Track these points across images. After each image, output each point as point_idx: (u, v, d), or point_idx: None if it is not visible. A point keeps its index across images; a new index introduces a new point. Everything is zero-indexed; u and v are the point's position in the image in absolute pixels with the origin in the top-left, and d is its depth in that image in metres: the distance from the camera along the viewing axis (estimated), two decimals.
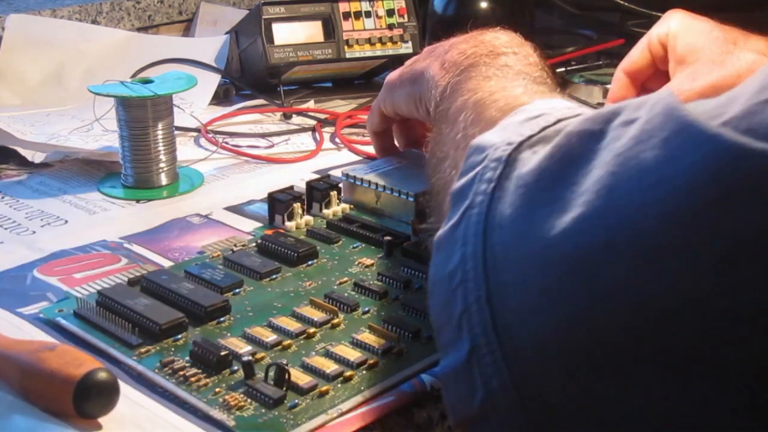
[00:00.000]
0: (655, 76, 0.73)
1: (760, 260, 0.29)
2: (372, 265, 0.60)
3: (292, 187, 0.68)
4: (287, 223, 0.66)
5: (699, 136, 0.31)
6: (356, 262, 0.60)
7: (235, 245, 0.63)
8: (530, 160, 0.37)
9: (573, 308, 0.33)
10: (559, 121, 0.39)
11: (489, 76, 0.53)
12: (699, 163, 0.30)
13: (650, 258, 0.31)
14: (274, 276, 0.58)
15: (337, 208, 0.68)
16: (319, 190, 0.68)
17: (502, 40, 0.59)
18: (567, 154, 0.36)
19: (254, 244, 0.63)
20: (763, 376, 0.30)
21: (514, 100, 0.47)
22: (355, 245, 0.63)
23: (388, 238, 0.61)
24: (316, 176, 0.74)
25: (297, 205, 0.66)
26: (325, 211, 0.68)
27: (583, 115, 0.37)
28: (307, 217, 0.67)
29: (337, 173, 0.73)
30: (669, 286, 0.31)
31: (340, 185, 0.69)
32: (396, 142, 0.75)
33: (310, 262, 0.60)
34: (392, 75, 0.68)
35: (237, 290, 0.56)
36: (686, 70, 0.68)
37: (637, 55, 0.73)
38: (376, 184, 0.68)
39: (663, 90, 0.35)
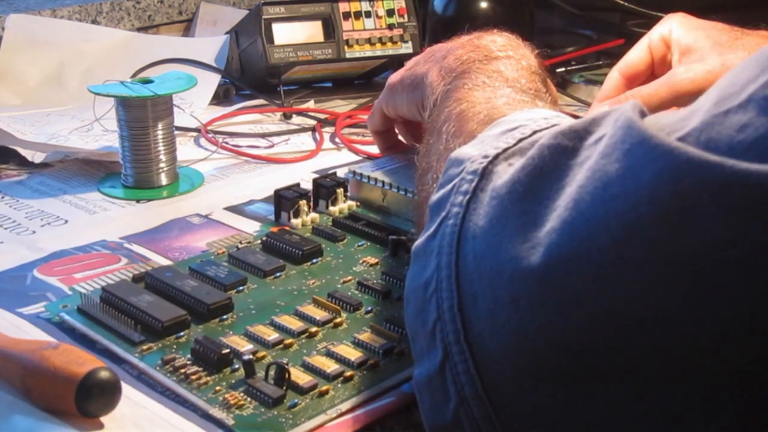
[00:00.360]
0: (648, 81, 0.73)
1: (719, 271, 0.30)
2: (377, 263, 0.60)
3: (298, 185, 0.68)
4: (293, 220, 0.66)
5: (657, 149, 0.31)
6: (361, 261, 0.60)
7: (240, 242, 0.63)
8: (505, 173, 0.38)
9: (541, 319, 0.33)
10: (534, 132, 0.40)
11: (477, 85, 0.53)
12: (658, 176, 0.31)
13: (614, 269, 0.31)
14: (278, 274, 0.58)
15: (343, 206, 0.68)
16: (326, 188, 0.68)
17: (499, 43, 0.59)
18: (538, 168, 0.36)
19: (259, 242, 0.63)
20: (729, 384, 0.30)
21: (495, 112, 0.48)
22: (360, 243, 0.63)
23: (393, 237, 0.61)
24: (316, 176, 0.74)
25: (303, 203, 0.66)
26: (331, 208, 0.68)
27: (557, 128, 0.38)
28: (313, 215, 0.67)
29: (337, 173, 0.73)
30: (633, 297, 0.31)
31: (347, 183, 0.69)
32: (404, 140, 0.75)
33: (314, 261, 0.60)
34: (393, 77, 0.68)
35: (241, 288, 0.56)
36: (693, 54, 0.68)
37: (635, 56, 0.73)
38: (383, 182, 0.68)
39: (627, 103, 0.35)
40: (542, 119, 0.42)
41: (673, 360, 0.31)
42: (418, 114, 0.64)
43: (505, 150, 0.39)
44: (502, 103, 0.50)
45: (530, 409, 0.35)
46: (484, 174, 0.38)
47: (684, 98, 0.66)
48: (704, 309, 0.30)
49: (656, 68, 0.73)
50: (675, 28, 0.70)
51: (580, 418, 0.33)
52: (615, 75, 0.74)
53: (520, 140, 0.39)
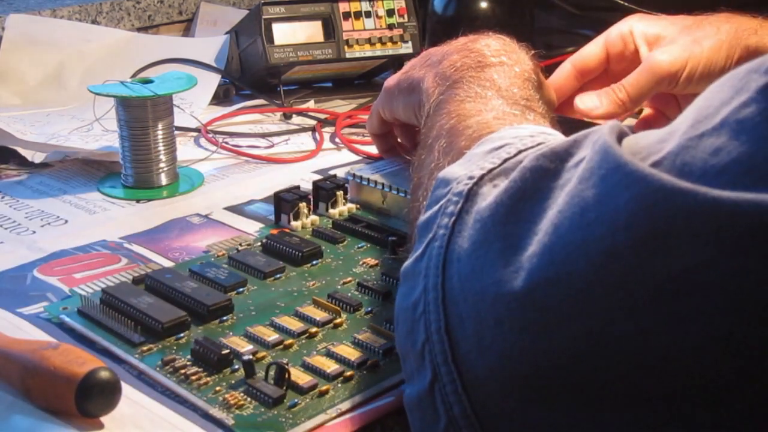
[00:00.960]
0: (600, 78, 0.74)
1: (695, 294, 0.30)
2: (376, 265, 0.60)
3: (298, 187, 0.68)
4: (293, 223, 0.66)
5: (631, 175, 0.32)
6: (361, 262, 0.60)
7: (240, 244, 0.63)
8: (489, 195, 0.38)
9: (524, 341, 0.34)
10: (519, 152, 0.41)
11: (470, 96, 0.54)
12: (633, 202, 0.32)
13: (593, 293, 0.32)
14: (278, 275, 0.58)
15: (343, 208, 0.68)
16: (326, 190, 0.68)
17: (493, 47, 0.59)
18: (521, 190, 0.37)
19: (259, 244, 0.63)
20: (707, 400, 0.31)
21: (484, 128, 0.49)
22: (360, 245, 0.63)
23: (393, 238, 0.61)
24: (317, 176, 0.74)
25: (303, 205, 0.66)
26: (331, 210, 0.68)
27: (540, 149, 0.38)
28: (313, 217, 0.67)
29: (337, 173, 0.73)
30: (612, 319, 0.32)
31: (347, 185, 0.69)
32: (402, 143, 0.75)
33: (314, 262, 0.60)
34: (390, 81, 0.68)
35: (241, 289, 0.56)
36: (663, 40, 0.69)
37: (590, 51, 0.74)
38: (383, 184, 0.68)
39: (606, 125, 0.36)
40: (528, 137, 0.43)
41: (653, 378, 0.32)
42: (414, 118, 0.64)
43: (490, 171, 0.40)
44: (492, 117, 0.51)
45: (518, 427, 0.35)
46: (469, 196, 0.39)
47: (665, 81, 0.67)
48: (681, 330, 0.31)
49: (612, 64, 0.74)
50: (636, 24, 0.71)
51: None
52: (567, 66, 0.74)
53: (505, 160, 0.40)
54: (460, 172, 0.41)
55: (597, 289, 0.32)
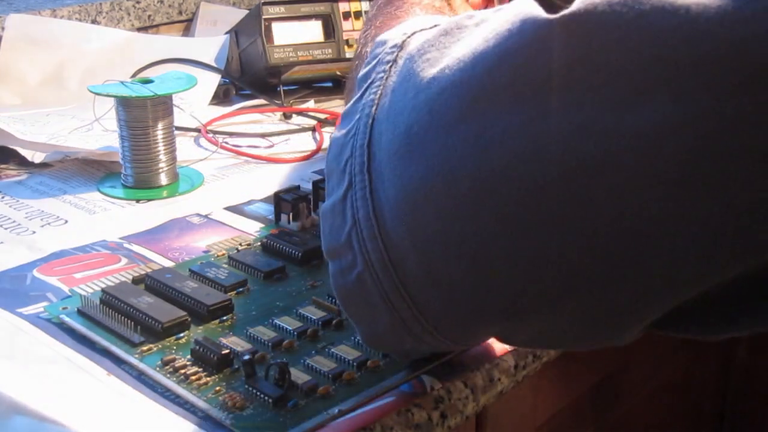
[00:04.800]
0: None
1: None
2: None
3: (298, 187, 0.68)
4: (293, 223, 0.66)
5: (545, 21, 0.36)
6: None
7: (240, 244, 0.63)
8: (419, 39, 0.43)
9: (427, 144, 0.38)
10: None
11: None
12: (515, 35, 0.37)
13: (485, 95, 0.37)
14: (278, 275, 0.58)
15: None
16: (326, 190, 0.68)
17: None
18: (444, 30, 0.42)
19: (259, 244, 0.63)
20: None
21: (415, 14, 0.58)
22: None
23: None
24: (317, 176, 0.74)
25: (302, 205, 0.66)
26: None
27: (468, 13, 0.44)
28: (313, 217, 0.67)
29: None
30: (495, 120, 0.36)
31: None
32: None
33: (314, 262, 0.60)
34: None
35: (240, 289, 0.56)
36: None
37: None
38: None
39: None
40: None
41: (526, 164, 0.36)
42: None
43: (422, 29, 0.45)
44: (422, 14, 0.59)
45: (405, 231, 0.39)
46: (403, 45, 0.44)
47: None
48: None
49: None
50: None
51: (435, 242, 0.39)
52: None
53: (436, 25, 0.44)
54: (395, 32, 0.46)
55: (489, 91, 0.37)
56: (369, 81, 0.44)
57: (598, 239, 0.35)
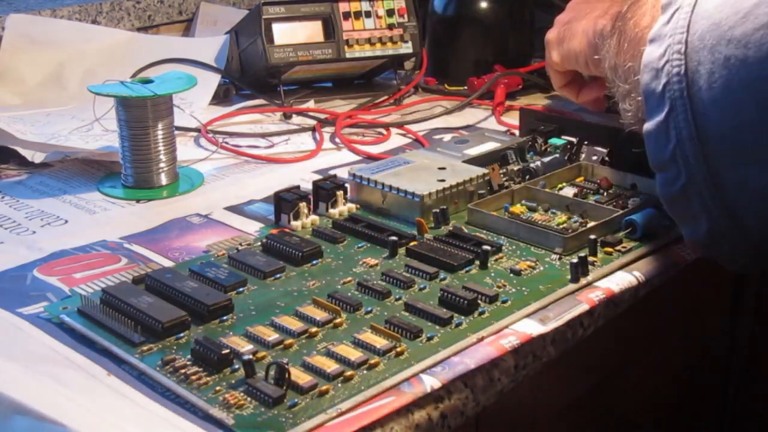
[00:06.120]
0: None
1: None
2: (376, 265, 0.60)
3: (298, 187, 0.68)
4: (293, 223, 0.66)
5: None
6: (361, 262, 0.60)
7: (240, 244, 0.63)
8: None
9: (743, 74, 0.46)
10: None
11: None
12: None
13: None
14: (278, 275, 0.58)
15: (343, 208, 0.68)
16: (326, 190, 0.68)
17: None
18: None
19: (259, 244, 0.63)
20: None
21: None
22: (360, 245, 0.63)
23: (393, 238, 0.61)
24: (317, 176, 0.74)
25: (303, 205, 0.66)
26: (331, 210, 0.68)
27: None
28: (313, 217, 0.67)
29: (337, 173, 0.73)
30: None
31: (347, 185, 0.69)
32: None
33: (314, 262, 0.60)
34: (550, 34, 0.85)
35: (241, 289, 0.56)
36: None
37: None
38: (383, 184, 0.68)
39: None
40: None
41: None
42: (575, 63, 0.81)
43: None
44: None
45: (728, 145, 0.48)
46: None
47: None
48: None
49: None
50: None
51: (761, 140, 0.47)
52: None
53: None
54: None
55: None
56: (676, 6, 0.50)
57: None
